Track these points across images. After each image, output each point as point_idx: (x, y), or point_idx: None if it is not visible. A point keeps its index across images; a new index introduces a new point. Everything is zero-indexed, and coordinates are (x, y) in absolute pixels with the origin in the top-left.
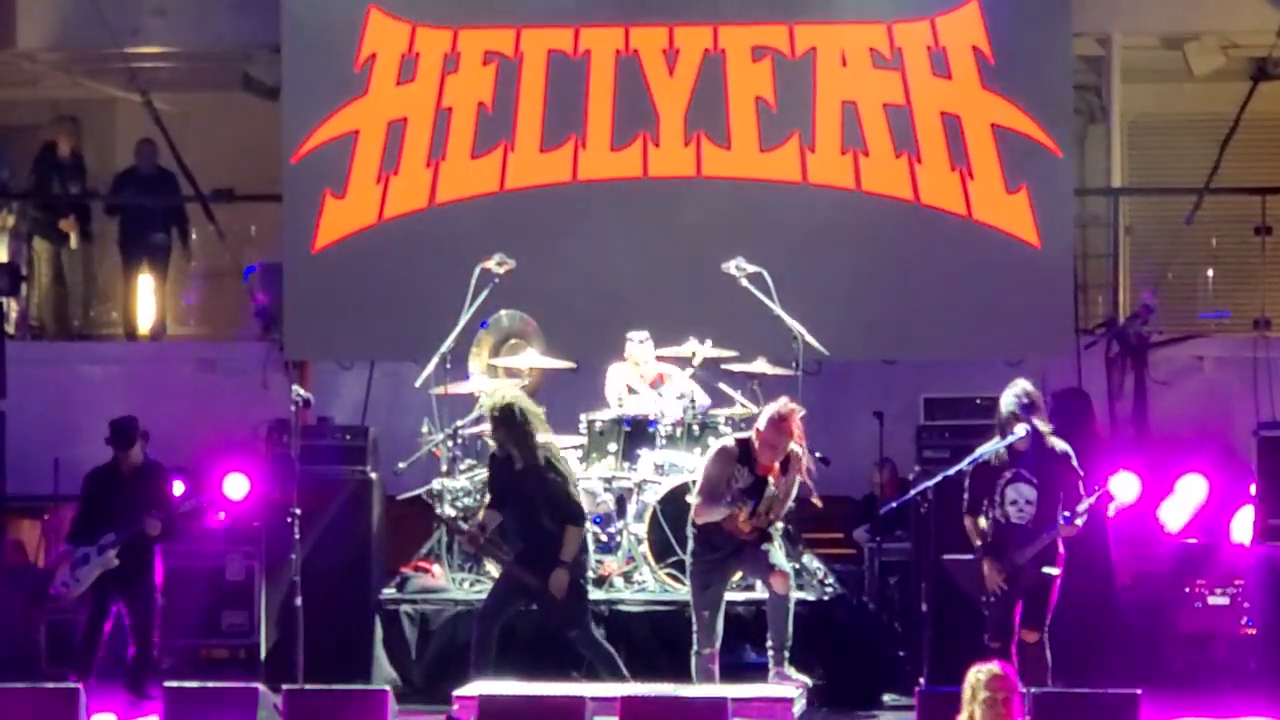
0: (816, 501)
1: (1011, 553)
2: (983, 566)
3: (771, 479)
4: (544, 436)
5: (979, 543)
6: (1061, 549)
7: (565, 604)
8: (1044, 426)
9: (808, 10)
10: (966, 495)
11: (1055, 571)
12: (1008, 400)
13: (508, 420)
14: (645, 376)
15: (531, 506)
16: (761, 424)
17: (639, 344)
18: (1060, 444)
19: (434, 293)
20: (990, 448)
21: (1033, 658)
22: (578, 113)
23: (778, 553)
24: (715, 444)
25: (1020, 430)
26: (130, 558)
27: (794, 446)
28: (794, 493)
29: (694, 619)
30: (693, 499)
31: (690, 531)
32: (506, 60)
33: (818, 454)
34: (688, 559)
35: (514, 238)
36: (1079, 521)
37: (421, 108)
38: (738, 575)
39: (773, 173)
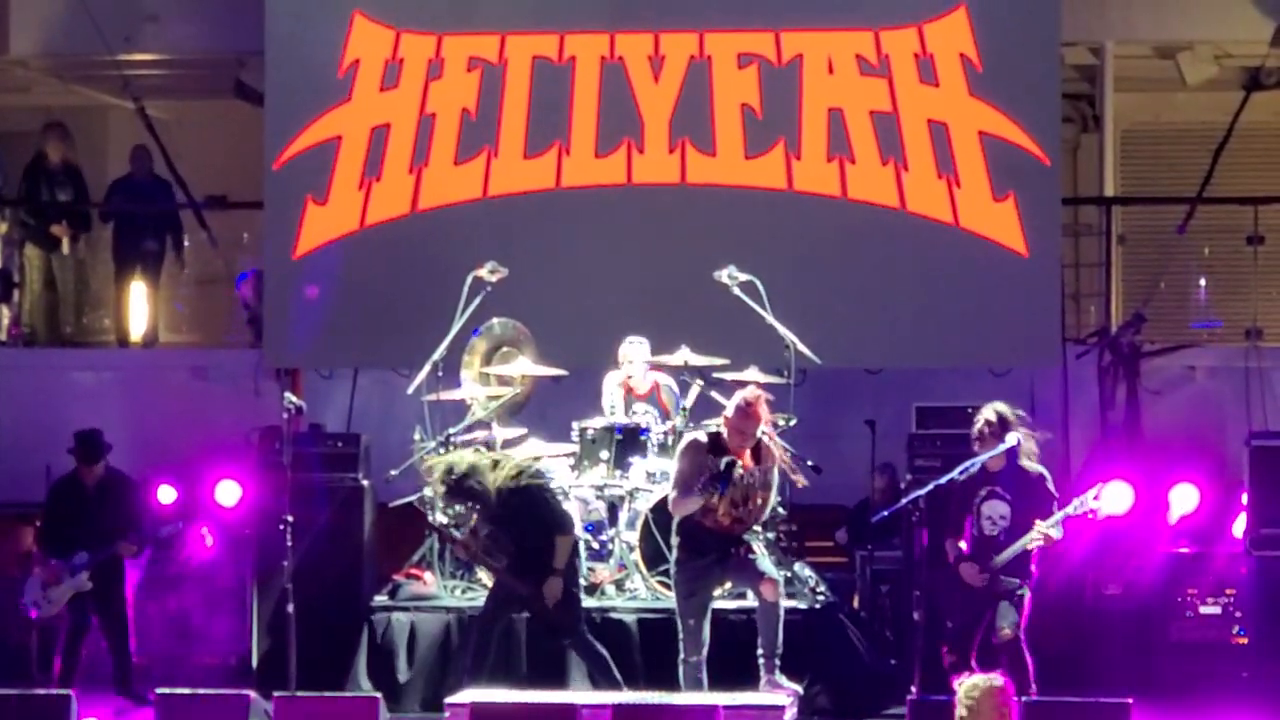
0: (800, 480)
1: (984, 564)
2: (960, 573)
3: (743, 468)
4: (509, 461)
5: (954, 558)
6: (1034, 568)
7: (558, 611)
8: (1024, 444)
9: (794, 17)
10: (950, 519)
11: (1016, 582)
12: (981, 420)
13: (456, 490)
14: (639, 385)
15: (519, 523)
16: (729, 411)
17: (631, 344)
18: (1035, 465)
19: (416, 300)
20: (980, 460)
21: (1012, 660)
22: (562, 119)
23: (765, 559)
24: (685, 438)
25: (1011, 440)
26: (101, 575)
27: (764, 437)
28: (774, 486)
29: (680, 627)
30: (670, 495)
31: (675, 539)
32: (491, 66)
33: (810, 462)
34: (672, 566)
35: (497, 245)
36: (1054, 533)
37: (405, 114)
38: (727, 585)
39: (758, 180)
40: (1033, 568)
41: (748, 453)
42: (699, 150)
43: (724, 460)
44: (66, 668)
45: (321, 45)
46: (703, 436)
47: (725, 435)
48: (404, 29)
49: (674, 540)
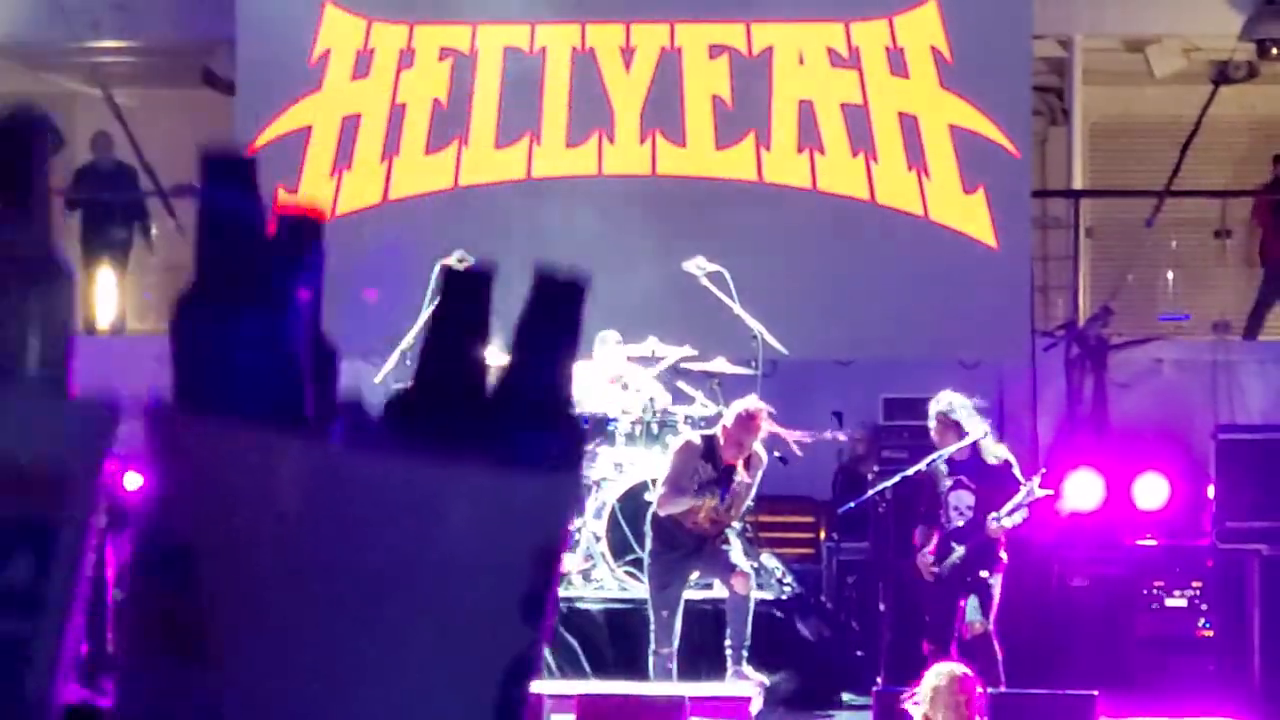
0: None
1: (948, 555)
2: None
3: (736, 474)
4: None
5: (923, 549)
6: (1004, 556)
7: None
8: (982, 432)
9: (765, 8)
10: (921, 509)
11: (986, 574)
12: (934, 418)
13: None
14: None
15: None
16: (728, 421)
17: (611, 345)
18: (1000, 451)
19: (387, 289)
20: (948, 452)
21: (982, 652)
22: (533, 110)
23: (738, 552)
24: (679, 437)
25: (977, 431)
26: None
27: (759, 447)
28: (754, 489)
29: (652, 618)
30: (657, 491)
31: (648, 530)
32: (462, 56)
33: (776, 453)
34: (646, 557)
35: (468, 235)
36: (1005, 522)
37: (376, 103)
38: (695, 574)
39: (728, 171)
40: (1001, 554)
41: (740, 462)
42: (670, 141)
43: (723, 469)
44: None
45: (292, 34)
46: (697, 439)
47: (721, 442)
48: (375, 18)
49: (647, 530)
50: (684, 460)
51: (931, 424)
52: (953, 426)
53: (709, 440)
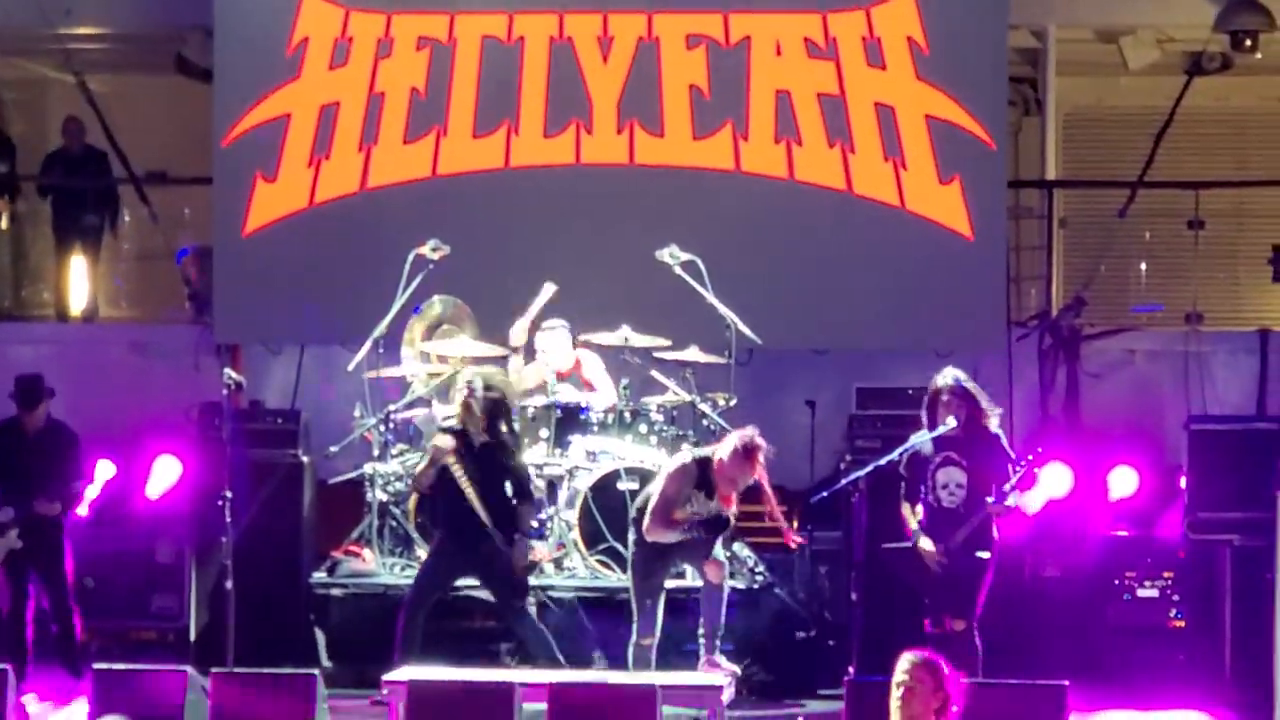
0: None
1: (943, 537)
2: (918, 549)
3: (728, 510)
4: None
5: (913, 529)
6: (996, 534)
7: (514, 581)
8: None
9: None
10: (904, 484)
11: (986, 555)
12: (935, 386)
13: (496, 407)
14: (561, 365)
15: (491, 477)
16: (724, 454)
17: (548, 333)
18: (993, 426)
19: (365, 277)
20: (921, 438)
21: (962, 647)
22: (511, 99)
23: (716, 544)
24: (675, 460)
25: (951, 423)
26: (35, 535)
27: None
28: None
29: (635, 608)
30: (646, 514)
31: (632, 523)
32: (440, 45)
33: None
34: (630, 548)
35: (446, 223)
36: (1007, 503)
37: (354, 92)
38: (676, 563)
39: (706, 161)
40: (996, 534)
41: (733, 496)
42: (647, 131)
43: (714, 509)
44: (14, 641)
45: (270, 23)
46: (692, 463)
47: (715, 473)
48: (353, 7)
49: (631, 524)
50: (676, 487)
51: (946, 395)
52: (968, 398)
53: (703, 465)
